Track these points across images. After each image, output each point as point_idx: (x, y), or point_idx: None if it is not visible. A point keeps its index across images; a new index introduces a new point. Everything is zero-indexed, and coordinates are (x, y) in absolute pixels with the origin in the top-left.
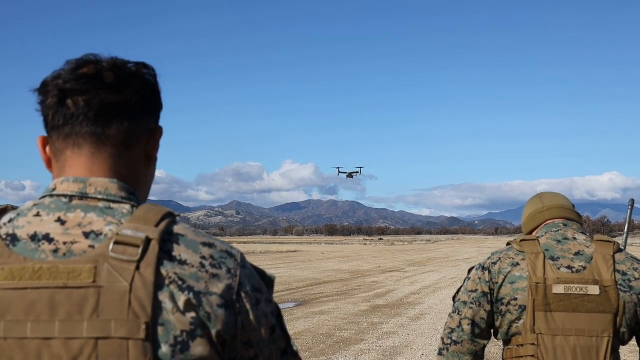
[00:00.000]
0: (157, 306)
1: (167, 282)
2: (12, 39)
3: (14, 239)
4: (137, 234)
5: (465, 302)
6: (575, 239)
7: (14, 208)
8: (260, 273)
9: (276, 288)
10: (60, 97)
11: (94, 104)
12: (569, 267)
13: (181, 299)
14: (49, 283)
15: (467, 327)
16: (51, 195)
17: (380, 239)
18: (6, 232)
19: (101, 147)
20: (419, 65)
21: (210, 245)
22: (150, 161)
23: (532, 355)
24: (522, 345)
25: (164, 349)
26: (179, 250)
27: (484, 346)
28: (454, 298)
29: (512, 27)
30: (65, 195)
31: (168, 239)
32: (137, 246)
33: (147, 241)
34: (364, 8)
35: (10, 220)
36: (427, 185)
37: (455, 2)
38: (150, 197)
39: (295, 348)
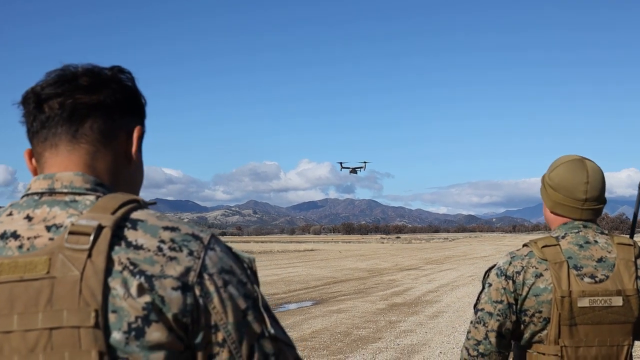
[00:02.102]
0: (107, 293)
1: (119, 267)
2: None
3: None
4: (90, 223)
5: (490, 314)
6: (596, 241)
7: None
8: (234, 254)
9: (293, 287)
10: (37, 103)
11: (67, 105)
12: (592, 277)
13: (133, 284)
14: (8, 277)
15: (494, 339)
16: (27, 195)
17: (398, 237)
18: None
19: (76, 144)
20: (436, 64)
21: (172, 229)
22: (130, 159)
23: None
24: (543, 354)
25: (117, 335)
26: (135, 236)
27: (508, 355)
28: (475, 306)
29: (530, 25)
30: (36, 193)
31: (124, 225)
32: (89, 234)
33: (100, 229)
34: (383, 6)
35: None
36: (444, 183)
37: None
38: (168, 197)
39: (273, 331)
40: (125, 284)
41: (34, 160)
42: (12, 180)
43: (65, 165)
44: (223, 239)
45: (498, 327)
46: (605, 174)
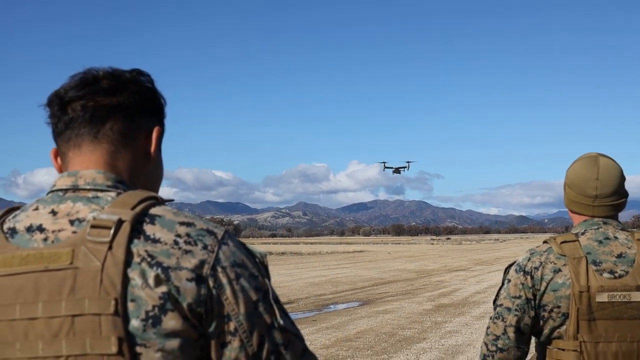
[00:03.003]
0: (126, 283)
1: (137, 259)
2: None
3: (13, 231)
4: (110, 217)
5: (509, 309)
6: (616, 238)
7: (19, 207)
8: (247, 249)
9: (340, 287)
10: (61, 105)
11: (89, 107)
12: (611, 272)
13: (151, 275)
14: (34, 267)
15: (512, 334)
16: (52, 191)
17: (448, 239)
18: (8, 226)
19: (97, 144)
20: (486, 67)
21: (188, 225)
22: (149, 158)
23: None
24: (563, 350)
25: (135, 323)
26: (153, 230)
27: (527, 351)
28: (494, 302)
29: (575, 28)
30: (61, 190)
31: (143, 220)
32: (109, 228)
33: (120, 223)
34: (443, 5)
35: (14, 216)
36: (494, 183)
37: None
38: (218, 200)
39: (282, 322)
40: (143, 275)
41: (59, 159)
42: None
43: (87, 164)
44: (273, 240)
45: (516, 323)
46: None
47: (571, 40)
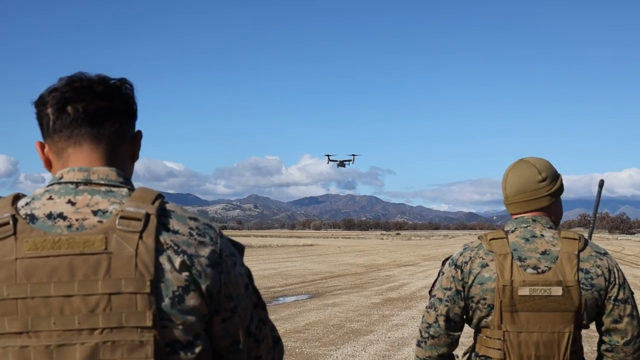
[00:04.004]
0: (158, 267)
1: (165, 247)
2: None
3: (32, 217)
4: (138, 210)
5: (440, 299)
6: (542, 235)
7: (23, 195)
8: (233, 242)
9: (291, 280)
10: (60, 106)
11: (90, 109)
12: (535, 268)
13: (177, 261)
14: (68, 251)
15: (442, 322)
16: (59, 183)
17: (398, 234)
18: (25, 212)
19: (98, 144)
20: (437, 62)
21: (194, 219)
22: (133, 159)
23: (499, 349)
24: (490, 338)
25: (166, 301)
26: (172, 223)
27: (458, 336)
28: (430, 292)
29: (530, 24)
30: (72, 182)
31: (162, 214)
32: (139, 220)
33: (147, 216)
34: (385, 2)
35: (27, 204)
36: (445, 180)
37: None
38: (169, 190)
39: (263, 302)
40: (170, 261)
41: (46, 151)
42: (13, 170)
43: (90, 161)
44: (224, 232)
45: (446, 312)
46: (607, 174)
47: (524, 35)
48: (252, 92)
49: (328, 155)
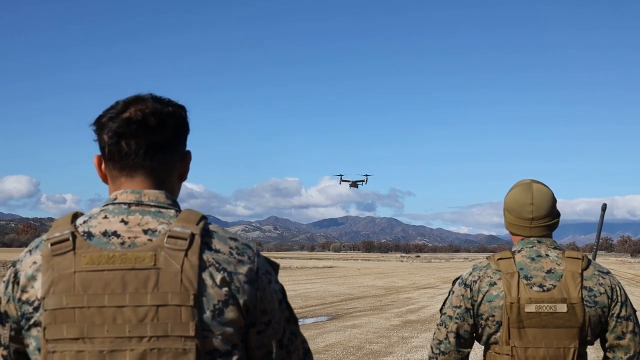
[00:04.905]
0: (201, 282)
1: (207, 265)
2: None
3: (89, 235)
4: (184, 230)
5: (450, 317)
6: (547, 255)
7: (81, 214)
8: (269, 261)
9: (311, 302)
10: (115, 140)
11: (142, 145)
12: (540, 286)
13: (218, 277)
14: (121, 266)
15: (452, 339)
16: (113, 203)
17: (418, 256)
18: (82, 230)
19: (149, 175)
20: (457, 84)
21: (234, 240)
22: (182, 178)
23: None
24: (498, 354)
25: (207, 313)
26: (214, 243)
27: (468, 353)
28: (440, 310)
29: (549, 46)
30: (125, 203)
31: (206, 234)
32: (185, 239)
33: (192, 235)
34: (409, 24)
35: (85, 222)
36: (465, 202)
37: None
38: None
39: (295, 317)
40: (212, 277)
41: (103, 168)
42: (35, 191)
43: (142, 188)
44: None
45: (456, 329)
46: (628, 197)
47: (545, 57)
48: (273, 112)
49: (340, 176)
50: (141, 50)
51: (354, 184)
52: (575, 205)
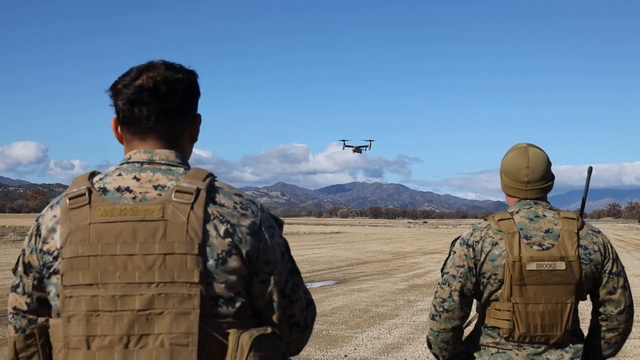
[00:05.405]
0: (205, 233)
1: (212, 217)
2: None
3: (104, 190)
4: (190, 186)
5: (454, 276)
6: (545, 216)
7: (98, 172)
8: (273, 217)
9: (318, 267)
10: (128, 106)
11: (153, 111)
12: (539, 245)
13: (222, 229)
14: (132, 218)
15: (456, 297)
16: (127, 162)
17: (425, 222)
18: (98, 186)
19: (160, 139)
20: (466, 51)
21: (239, 195)
22: (193, 140)
23: (508, 319)
24: (499, 310)
25: (210, 261)
26: (219, 198)
27: (469, 311)
28: (442, 270)
29: (565, 14)
30: (137, 162)
31: (211, 190)
32: (191, 193)
33: (198, 190)
34: None
35: (101, 179)
36: (472, 169)
37: None
38: None
39: (297, 269)
40: (216, 228)
41: (119, 130)
42: (43, 157)
43: (153, 149)
44: None
45: (460, 288)
46: (637, 163)
47: (549, 25)
48: (280, 78)
49: (344, 141)
50: (151, 18)
51: (358, 149)
52: (583, 172)
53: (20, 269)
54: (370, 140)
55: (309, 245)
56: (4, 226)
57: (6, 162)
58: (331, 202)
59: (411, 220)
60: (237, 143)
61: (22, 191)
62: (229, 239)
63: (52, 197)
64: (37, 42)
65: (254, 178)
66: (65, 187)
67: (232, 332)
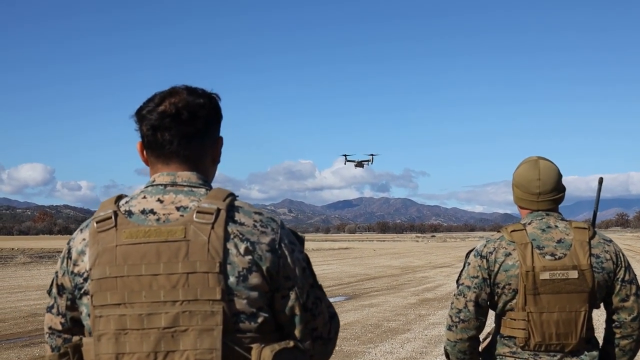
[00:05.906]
0: (225, 251)
1: (232, 236)
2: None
3: (130, 213)
4: (211, 206)
5: (469, 287)
6: (556, 226)
7: (125, 195)
8: (294, 233)
9: (328, 283)
10: (152, 131)
11: (175, 136)
12: (552, 255)
13: (242, 247)
14: (156, 239)
15: (472, 308)
16: (152, 185)
17: (433, 236)
18: (124, 209)
19: (183, 163)
20: (471, 63)
21: (259, 214)
22: (215, 162)
23: (523, 328)
24: (514, 319)
25: (232, 279)
26: (239, 217)
27: (485, 321)
28: (457, 281)
29: (570, 26)
30: (161, 184)
31: (231, 209)
32: (212, 214)
33: (218, 210)
34: (422, 6)
35: (127, 202)
36: (479, 181)
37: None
38: None
39: (319, 283)
40: (236, 247)
41: (145, 153)
42: (50, 179)
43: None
44: None
45: (475, 298)
46: None
47: (554, 37)
48: (286, 95)
49: (345, 156)
50: (156, 37)
51: (360, 164)
52: (590, 182)
53: (54, 290)
54: (372, 155)
55: (318, 261)
56: (12, 248)
57: (13, 184)
58: (338, 218)
59: (419, 235)
60: (243, 160)
61: (29, 213)
62: (249, 257)
63: (60, 218)
64: (41, 63)
65: (261, 195)
66: (73, 208)
67: (255, 347)
